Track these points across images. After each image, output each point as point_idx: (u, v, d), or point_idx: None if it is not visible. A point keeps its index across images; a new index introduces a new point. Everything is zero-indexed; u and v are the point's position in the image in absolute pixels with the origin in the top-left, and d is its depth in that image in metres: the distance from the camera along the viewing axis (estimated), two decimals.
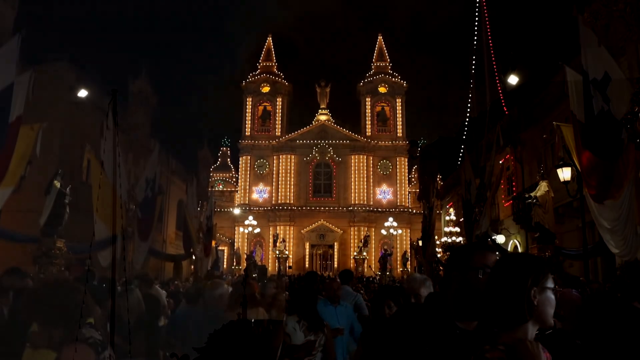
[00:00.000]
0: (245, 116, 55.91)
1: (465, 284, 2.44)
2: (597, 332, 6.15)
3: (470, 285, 2.42)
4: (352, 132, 54.99)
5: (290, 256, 50.17)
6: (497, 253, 2.56)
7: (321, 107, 56.49)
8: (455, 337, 2.35)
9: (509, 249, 25.97)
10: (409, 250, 49.14)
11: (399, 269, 47.61)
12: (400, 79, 56.66)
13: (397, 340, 2.48)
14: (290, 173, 53.93)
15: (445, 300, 2.55)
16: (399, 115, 55.83)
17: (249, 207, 52.00)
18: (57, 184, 16.53)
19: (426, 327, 2.42)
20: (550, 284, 2.14)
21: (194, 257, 29.28)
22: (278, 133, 55.04)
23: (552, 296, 2.14)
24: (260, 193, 54.15)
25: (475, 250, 2.57)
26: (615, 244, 10.96)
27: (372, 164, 54.38)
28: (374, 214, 52.49)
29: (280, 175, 53.88)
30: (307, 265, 50.16)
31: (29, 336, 4.59)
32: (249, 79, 56.63)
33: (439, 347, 2.32)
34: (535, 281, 2.10)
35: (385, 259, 44.83)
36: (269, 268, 44.33)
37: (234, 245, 51.13)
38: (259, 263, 44.36)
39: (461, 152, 37.04)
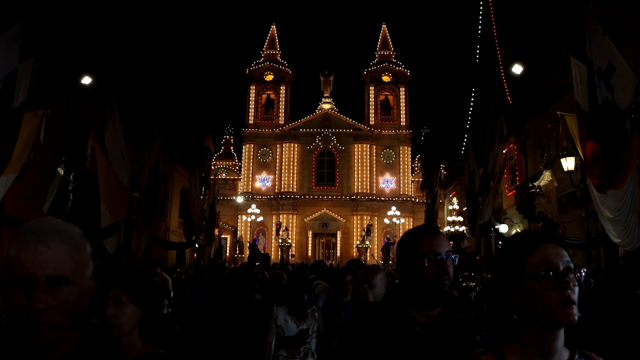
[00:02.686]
0: (249, 104, 55.77)
1: (414, 274, 2.27)
2: (604, 319, 6.19)
3: (419, 275, 2.24)
4: (355, 121, 54.82)
5: (293, 245, 50.25)
6: (440, 233, 2.37)
7: (325, 95, 56.34)
8: (416, 333, 2.17)
9: None
10: None
11: None
12: (404, 68, 56.51)
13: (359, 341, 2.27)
14: (293, 162, 53.88)
15: (399, 292, 2.37)
16: (402, 104, 55.67)
17: (252, 196, 52.03)
18: (61, 171, 16.58)
19: (386, 324, 2.22)
20: (531, 270, 1.67)
21: (196, 245, 29.39)
22: (281, 121, 54.93)
23: (539, 285, 1.64)
24: (263, 181, 54.15)
25: (418, 235, 2.36)
26: (616, 234, 10.98)
27: (376, 153, 54.30)
28: (377, 203, 52.50)
29: (283, 163, 53.83)
30: (309, 254, 50.28)
31: None
32: (252, 67, 56.48)
33: (402, 347, 2.14)
34: (507, 276, 1.74)
35: (388, 247, 44.93)
36: (272, 256, 44.45)
37: (236, 234, 51.23)
38: (262, 251, 44.47)
39: (464, 142, 36.98)
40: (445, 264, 2.24)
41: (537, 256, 1.68)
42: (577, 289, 1.65)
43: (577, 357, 1.74)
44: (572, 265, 1.68)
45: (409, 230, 2.48)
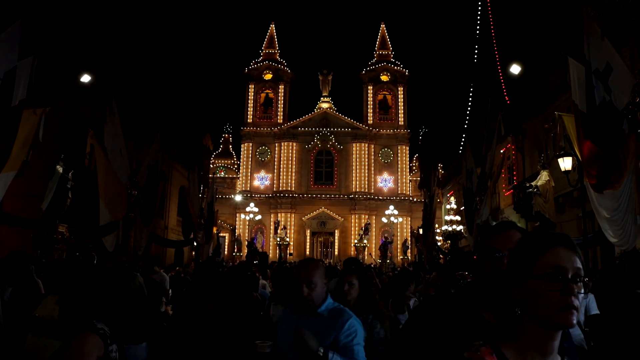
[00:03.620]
0: (247, 103, 55.78)
1: (477, 269, 2.26)
2: (606, 319, 6.24)
3: (479, 272, 2.23)
4: (353, 120, 54.86)
5: (291, 243, 50.25)
6: (507, 231, 2.27)
7: (323, 94, 56.36)
8: (477, 333, 2.01)
9: None
10: (409, 239, 49.31)
11: (400, 257, 47.80)
12: (403, 68, 56.56)
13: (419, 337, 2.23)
14: (291, 160, 53.91)
15: (474, 290, 2.29)
16: (400, 104, 55.72)
17: (251, 194, 52.05)
18: (60, 169, 16.59)
19: (452, 321, 2.17)
20: (539, 270, 1.68)
21: (195, 244, 29.42)
22: (280, 120, 54.95)
23: (543, 287, 1.66)
24: (261, 180, 54.17)
25: (489, 232, 2.33)
26: (613, 233, 11.03)
27: (374, 152, 54.32)
28: (375, 202, 52.53)
29: (281, 162, 53.85)
30: (307, 253, 50.29)
31: (31, 323, 4.67)
32: (251, 66, 56.46)
33: (460, 344, 1.98)
34: (515, 270, 1.75)
35: (385, 246, 45.02)
36: (270, 255, 44.52)
37: (235, 232, 51.27)
38: (260, 250, 44.53)
39: (462, 141, 37.07)
40: (501, 262, 2.15)
41: (549, 257, 1.69)
42: (582, 296, 1.67)
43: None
44: (582, 272, 1.69)
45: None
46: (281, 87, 56.05)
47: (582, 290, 1.67)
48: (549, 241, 1.73)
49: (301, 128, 54.47)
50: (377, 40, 58.31)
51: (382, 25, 58.37)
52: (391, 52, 57.61)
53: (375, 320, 4.57)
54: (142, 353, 5.96)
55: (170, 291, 11.80)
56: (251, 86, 55.94)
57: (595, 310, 6.99)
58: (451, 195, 41.52)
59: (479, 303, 2.18)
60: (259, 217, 48.57)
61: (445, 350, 2.04)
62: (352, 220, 52.45)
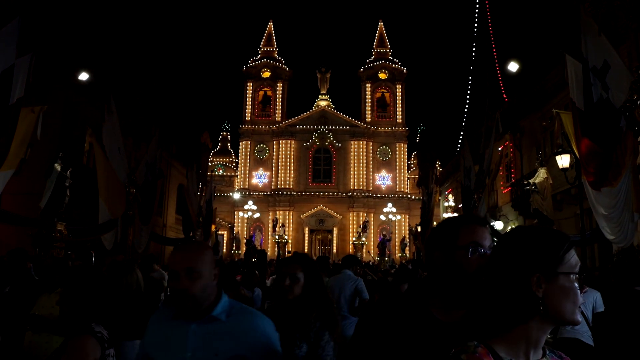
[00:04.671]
0: (246, 101, 55.83)
1: (451, 265, 2.02)
2: (607, 317, 6.26)
3: (458, 267, 2.01)
4: (352, 118, 54.93)
5: (290, 241, 50.26)
6: (487, 226, 2.11)
7: (321, 92, 56.37)
8: (433, 333, 1.94)
9: None
10: (407, 236, 49.33)
11: (398, 255, 47.81)
12: (401, 66, 56.60)
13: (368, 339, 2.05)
14: (290, 158, 53.96)
15: (423, 287, 2.11)
16: (398, 102, 55.78)
17: (249, 192, 52.06)
18: (58, 167, 16.57)
19: (402, 321, 2.00)
20: (568, 267, 1.67)
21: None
22: (278, 118, 55.00)
23: (572, 284, 1.66)
24: (260, 178, 54.19)
25: (461, 224, 2.10)
26: (610, 230, 11.04)
27: (372, 149, 54.39)
28: (373, 200, 52.58)
29: (280, 160, 53.90)
30: (306, 251, 50.25)
31: (30, 321, 4.67)
32: (249, 63, 56.47)
33: (414, 345, 1.93)
34: (542, 265, 1.66)
35: (384, 244, 45.03)
36: (268, 253, 44.49)
37: (233, 230, 51.25)
38: (258, 248, 44.51)
39: (460, 139, 37.08)
40: (485, 258, 1.99)
41: (573, 255, 1.70)
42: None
43: (548, 352, 1.76)
44: None
45: (450, 218, 2.25)
46: (279, 85, 56.06)
47: None
48: (570, 240, 1.73)
49: (299, 126, 54.51)
50: (375, 38, 58.36)
51: (380, 23, 58.47)
52: (389, 50, 57.65)
53: (324, 329, 3.43)
54: (138, 350, 5.96)
55: (169, 289, 11.81)
56: (249, 84, 55.95)
57: (601, 308, 7.07)
58: (449, 193, 41.58)
59: (434, 300, 2.04)
60: (257, 215, 48.56)
61: (400, 355, 1.95)
62: (351, 218, 52.49)
